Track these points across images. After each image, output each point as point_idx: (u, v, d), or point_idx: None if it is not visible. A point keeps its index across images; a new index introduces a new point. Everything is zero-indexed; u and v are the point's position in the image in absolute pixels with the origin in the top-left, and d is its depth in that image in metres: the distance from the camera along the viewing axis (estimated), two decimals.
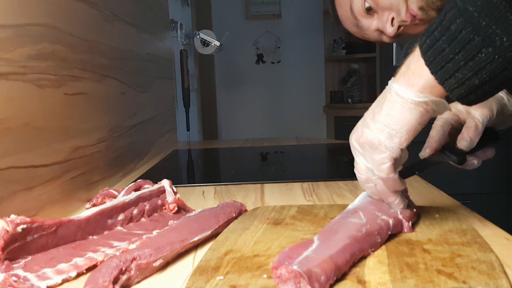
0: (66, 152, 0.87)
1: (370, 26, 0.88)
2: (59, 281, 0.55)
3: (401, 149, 0.60)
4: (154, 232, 0.69)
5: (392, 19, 0.84)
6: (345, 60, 3.86)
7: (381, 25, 0.86)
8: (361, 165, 0.64)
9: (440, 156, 0.66)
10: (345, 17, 0.90)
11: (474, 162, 0.67)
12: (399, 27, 0.85)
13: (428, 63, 0.55)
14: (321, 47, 3.96)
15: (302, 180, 1.09)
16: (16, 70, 0.71)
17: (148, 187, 0.82)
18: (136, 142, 1.36)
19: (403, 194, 0.66)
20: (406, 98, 0.57)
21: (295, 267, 0.47)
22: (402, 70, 0.59)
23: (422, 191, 0.93)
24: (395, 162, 0.60)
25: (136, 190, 0.82)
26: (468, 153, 0.66)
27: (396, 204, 0.65)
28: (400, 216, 0.64)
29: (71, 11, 0.93)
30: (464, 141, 0.65)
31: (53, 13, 0.85)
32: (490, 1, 0.50)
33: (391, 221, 0.63)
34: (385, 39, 0.89)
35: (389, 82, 0.60)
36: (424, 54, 0.55)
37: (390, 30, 0.85)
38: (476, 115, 0.66)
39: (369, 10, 0.85)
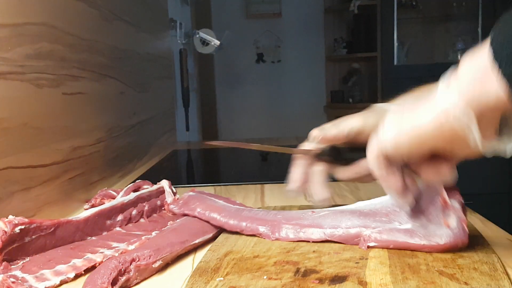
0: (64, 152, 0.87)
1: None
2: (57, 282, 0.54)
3: (393, 149, 0.51)
4: (153, 233, 0.69)
5: None
6: (346, 59, 3.85)
7: None
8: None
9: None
10: None
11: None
12: None
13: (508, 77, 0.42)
14: (322, 46, 3.95)
15: None
16: (14, 69, 0.71)
17: (147, 188, 0.81)
18: (135, 142, 1.36)
19: (411, 193, 0.56)
20: (436, 98, 0.47)
21: None
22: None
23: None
24: (384, 159, 0.53)
25: (135, 190, 0.81)
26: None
27: (400, 205, 0.59)
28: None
29: (69, 10, 0.93)
30: None
31: (51, 12, 0.84)
32: None
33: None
34: None
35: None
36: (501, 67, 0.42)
37: None
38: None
39: None
